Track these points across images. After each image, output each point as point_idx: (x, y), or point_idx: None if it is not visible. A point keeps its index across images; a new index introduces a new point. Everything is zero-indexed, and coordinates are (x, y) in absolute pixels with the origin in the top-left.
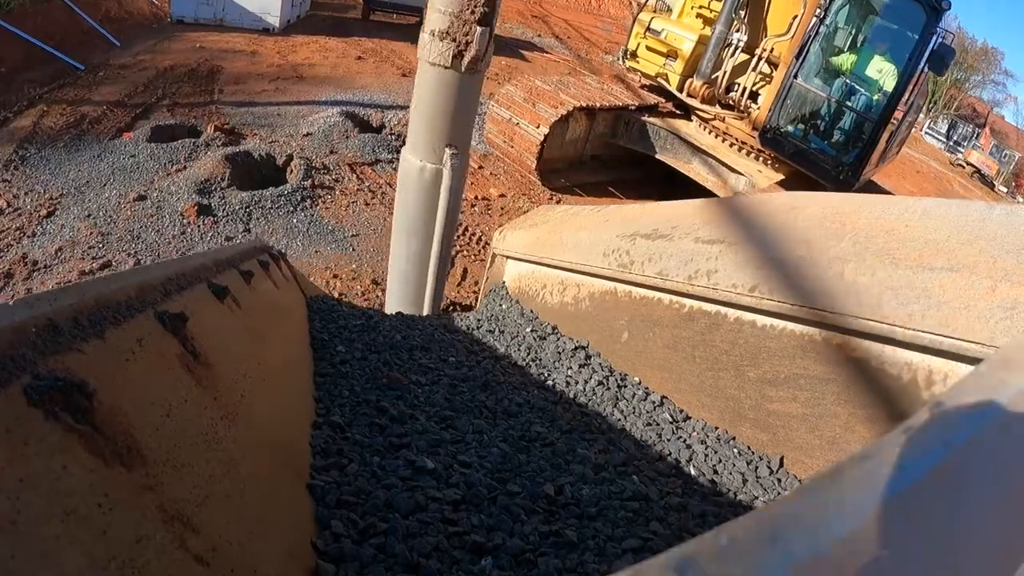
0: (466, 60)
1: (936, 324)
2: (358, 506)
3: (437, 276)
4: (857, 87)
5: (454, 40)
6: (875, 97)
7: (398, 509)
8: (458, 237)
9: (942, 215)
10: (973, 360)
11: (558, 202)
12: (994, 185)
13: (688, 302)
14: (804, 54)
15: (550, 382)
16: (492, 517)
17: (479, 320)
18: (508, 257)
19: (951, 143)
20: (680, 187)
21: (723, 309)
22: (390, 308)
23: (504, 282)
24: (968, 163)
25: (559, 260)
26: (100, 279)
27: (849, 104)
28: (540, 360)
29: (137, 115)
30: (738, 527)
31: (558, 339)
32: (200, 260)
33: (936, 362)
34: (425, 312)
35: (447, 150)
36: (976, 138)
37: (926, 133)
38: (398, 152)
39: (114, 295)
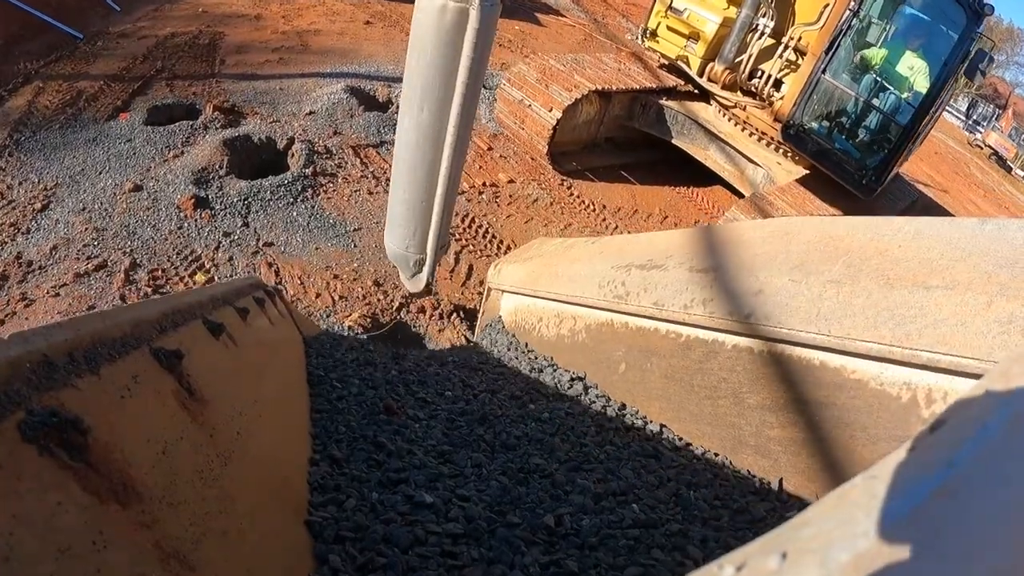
0: None
1: (934, 342)
2: (356, 541)
3: (454, 159)
4: (887, 86)
5: None
6: (904, 95)
7: (397, 543)
8: (464, 229)
9: (935, 233)
10: (973, 376)
11: (568, 187)
12: (1011, 168)
13: (685, 331)
14: (834, 49)
15: (547, 414)
16: (492, 550)
17: (476, 354)
18: (504, 291)
19: (970, 122)
20: (696, 174)
21: (720, 336)
22: (392, 202)
23: (500, 316)
24: (986, 144)
25: (555, 293)
26: (95, 314)
27: (878, 104)
28: (537, 392)
29: (135, 91)
30: (744, 555)
31: (555, 371)
32: (195, 296)
33: (936, 380)
34: (436, 210)
35: None
36: (996, 119)
37: (945, 110)
38: None
39: (109, 331)
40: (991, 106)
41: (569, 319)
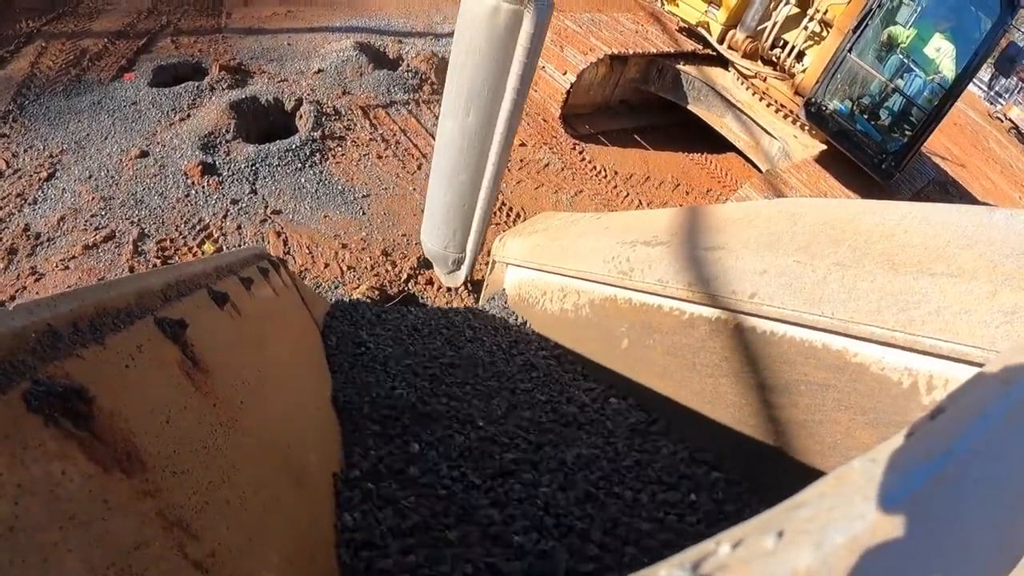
0: None
1: (936, 329)
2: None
3: (498, 164)
4: (913, 68)
5: None
6: (930, 77)
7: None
8: None
9: (942, 220)
10: (974, 365)
11: (580, 152)
12: None
13: (688, 308)
14: (862, 28)
15: (547, 398)
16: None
17: (478, 326)
18: (508, 264)
19: (992, 93)
20: (710, 140)
21: (723, 315)
22: (431, 203)
23: (504, 288)
24: (1007, 117)
25: (559, 267)
26: (99, 284)
27: (903, 88)
28: (538, 372)
29: (139, 49)
30: (742, 532)
31: (556, 352)
32: (200, 266)
33: (937, 367)
34: (478, 213)
35: None
36: (1019, 92)
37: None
38: (415, 92)
39: (113, 301)
40: (1015, 79)
41: (573, 293)
